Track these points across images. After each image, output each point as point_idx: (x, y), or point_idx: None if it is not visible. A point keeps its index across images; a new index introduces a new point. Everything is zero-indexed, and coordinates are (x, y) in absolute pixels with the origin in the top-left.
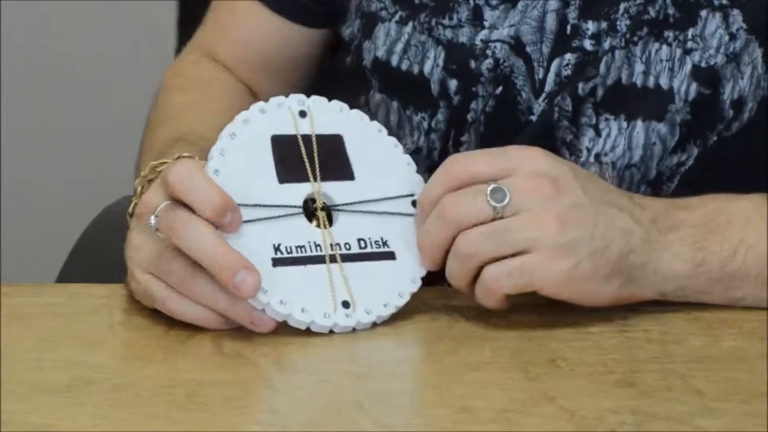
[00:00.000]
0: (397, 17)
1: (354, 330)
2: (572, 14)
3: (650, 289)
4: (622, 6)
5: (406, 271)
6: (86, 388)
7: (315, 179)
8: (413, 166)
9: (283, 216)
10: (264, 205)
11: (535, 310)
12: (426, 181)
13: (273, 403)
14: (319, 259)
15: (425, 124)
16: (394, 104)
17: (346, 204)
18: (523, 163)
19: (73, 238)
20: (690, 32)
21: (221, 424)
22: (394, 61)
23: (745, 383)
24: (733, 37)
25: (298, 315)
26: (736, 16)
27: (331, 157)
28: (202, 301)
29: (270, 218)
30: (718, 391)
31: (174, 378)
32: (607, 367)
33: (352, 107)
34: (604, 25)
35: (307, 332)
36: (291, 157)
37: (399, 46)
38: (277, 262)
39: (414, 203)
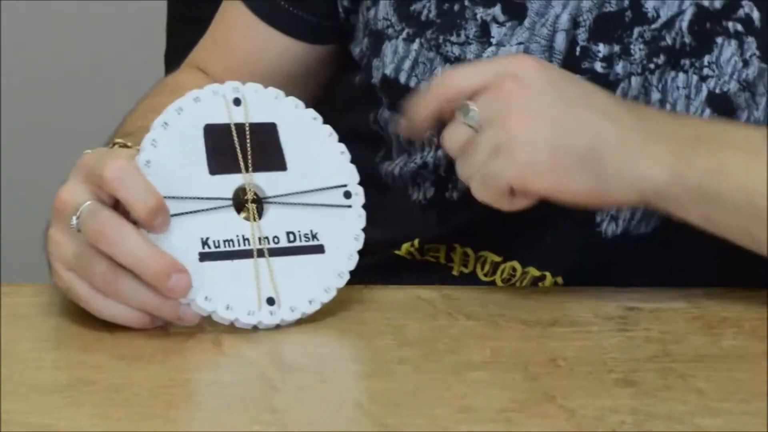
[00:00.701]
0: (404, 35)
1: (278, 326)
2: (582, 36)
3: (627, 191)
4: (637, 30)
5: (334, 266)
6: (86, 388)
7: (246, 170)
8: (347, 155)
9: (212, 209)
10: (193, 198)
11: (536, 309)
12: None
13: (273, 403)
14: (246, 254)
15: (436, 140)
16: None
17: (277, 196)
18: (501, 71)
19: None
20: (706, 59)
21: (221, 424)
22: (403, 78)
23: (746, 382)
24: (746, 63)
25: (222, 312)
26: (751, 44)
27: (264, 147)
28: (129, 302)
29: (198, 211)
30: (718, 391)
31: (174, 378)
32: (607, 367)
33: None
34: (616, 48)
35: (307, 332)
36: (223, 147)
37: (407, 64)
38: (204, 257)
39: (346, 194)
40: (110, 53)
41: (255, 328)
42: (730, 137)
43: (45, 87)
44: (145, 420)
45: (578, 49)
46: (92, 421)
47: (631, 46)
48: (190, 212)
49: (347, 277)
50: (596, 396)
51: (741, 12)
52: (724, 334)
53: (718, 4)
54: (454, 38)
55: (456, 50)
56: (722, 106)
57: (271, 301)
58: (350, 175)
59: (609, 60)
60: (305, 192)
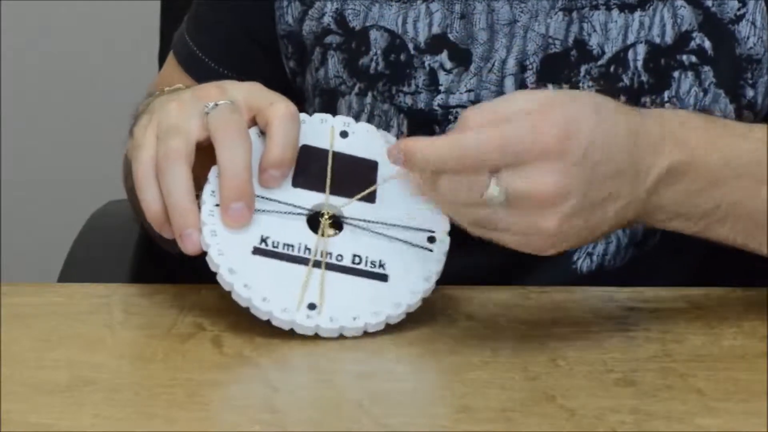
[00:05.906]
0: (356, 89)
1: (316, 335)
2: (530, 78)
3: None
4: (583, 68)
5: (392, 295)
6: (86, 388)
7: (329, 191)
8: None
9: (282, 213)
10: (266, 198)
11: (536, 309)
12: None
13: (273, 403)
14: (303, 261)
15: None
16: None
17: (357, 219)
18: (534, 159)
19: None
20: (666, 95)
21: (221, 424)
22: None
23: (745, 382)
24: (705, 92)
25: (258, 302)
26: (708, 72)
27: (357, 178)
28: (165, 188)
29: (267, 211)
30: (718, 390)
31: (174, 378)
32: (607, 366)
33: None
34: (565, 87)
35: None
36: (314, 167)
37: (363, 117)
38: (257, 251)
39: (430, 239)
40: (104, 53)
41: (293, 332)
42: (736, 167)
43: (45, 87)
44: (146, 420)
45: None
46: (92, 421)
47: (580, 84)
48: (259, 210)
49: (404, 309)
50: (596, 396)
51: (693, 44)
52: (724, 334)
53: (669, 40)
54: (405, 88)
55: (408, 100)
56: None
57: (312, 307)
58: (439, 225)
59: None
60: (388, 225)
